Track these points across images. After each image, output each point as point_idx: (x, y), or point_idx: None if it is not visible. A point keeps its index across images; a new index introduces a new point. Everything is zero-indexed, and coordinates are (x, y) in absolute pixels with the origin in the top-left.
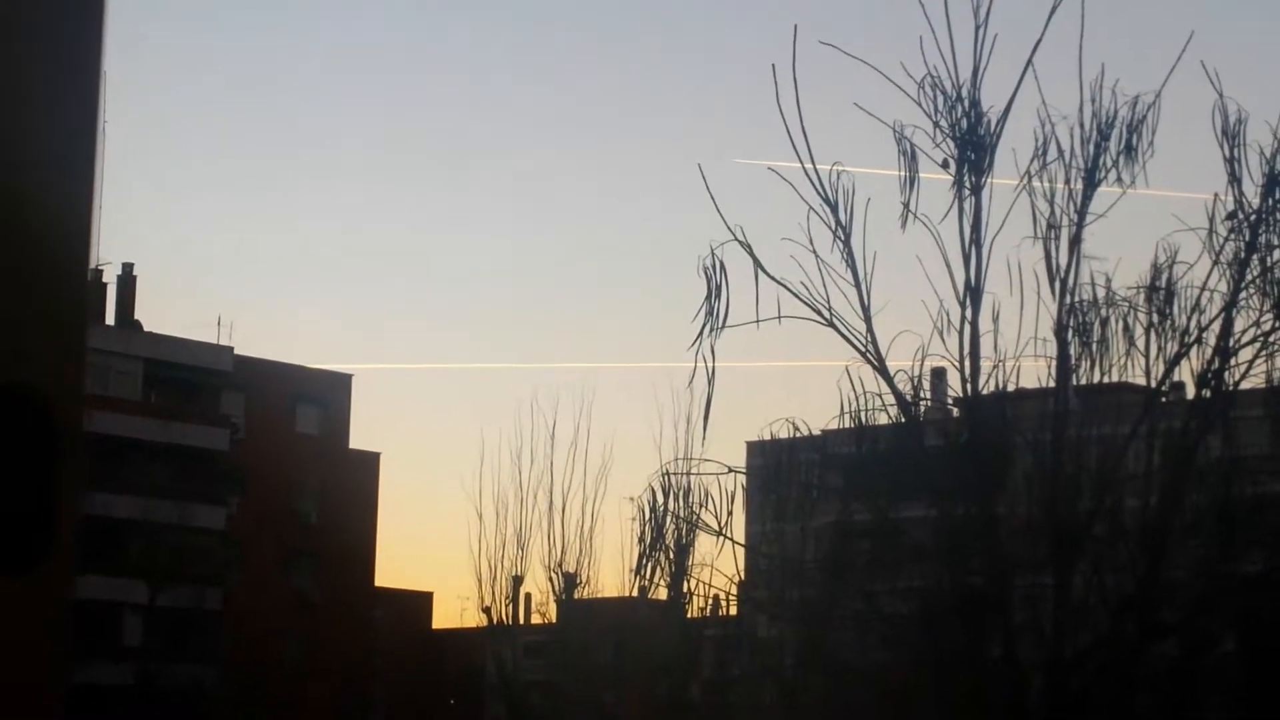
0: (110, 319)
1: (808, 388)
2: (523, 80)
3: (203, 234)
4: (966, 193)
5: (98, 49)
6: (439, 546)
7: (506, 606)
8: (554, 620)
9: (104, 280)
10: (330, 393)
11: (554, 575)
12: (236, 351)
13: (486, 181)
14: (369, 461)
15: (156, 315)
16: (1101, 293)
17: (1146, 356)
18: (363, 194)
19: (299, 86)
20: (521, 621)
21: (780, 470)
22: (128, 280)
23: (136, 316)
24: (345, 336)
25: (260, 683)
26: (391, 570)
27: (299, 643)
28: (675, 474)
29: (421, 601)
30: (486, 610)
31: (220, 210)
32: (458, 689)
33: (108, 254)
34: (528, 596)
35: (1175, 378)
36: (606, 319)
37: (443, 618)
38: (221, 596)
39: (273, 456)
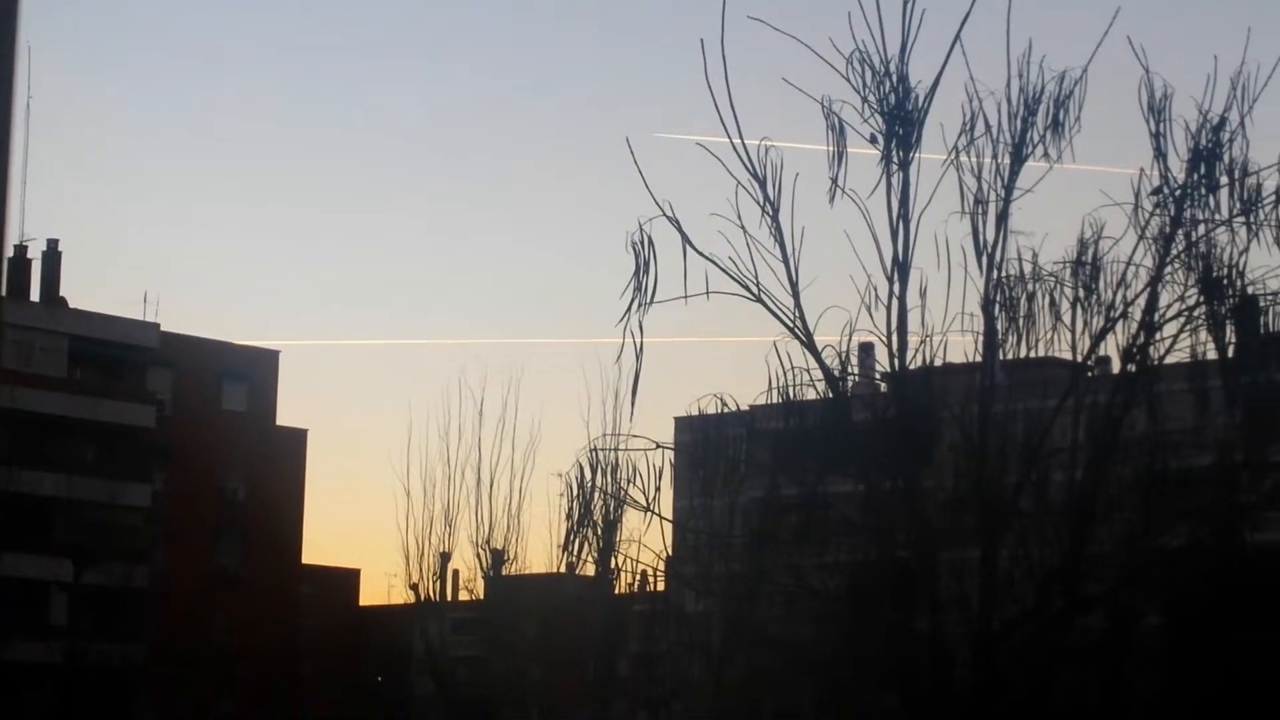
0: (35, 295)
1: (736, 363)
2: (449, 55)
3: (130, 211)
4: (894, 168)
5: (13, 26)
6: (366, 523)
7: (434, 583)
8: (481, 597)
9: (29, 256)
10: (257, 369)
11: (481, 552)
12: (163, 328)
13: (415, 157)
14: (296, 438)
15: (82, 292)
16: (1028, 268)
17: (1072, 331)
18: (290, 171)
19: (226, 64)
20: (449, 598)
21: (708, 445)
22: (53, 257)
23: (62, 293)
24: (272, 313)
25: (187, 660)
26: (319, 547)
27: (226, 620)
28: (603, 450)
29: (349, 578)
30: (414, 587)
31: (148, 187)
32: (385, 666)
33: (33, 230)
34: (455, 573)
35: (1101, 352)
36: (535, 295)
37: (370, 595)
38: (148, 574)
39: (199, 433)
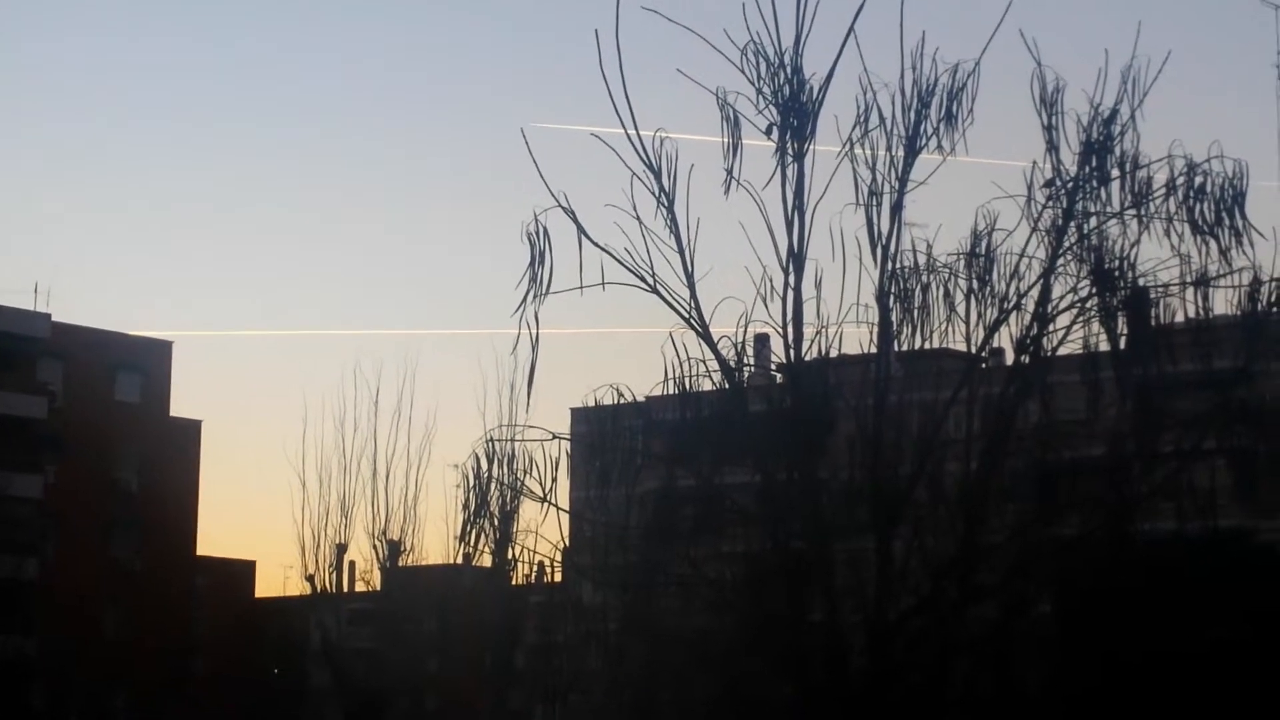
0: None
1: (632, 354)
2: (342, 42)
3: (19, 201)
4: (789, 159)
5: None
6: (262, 515)
7: (330, 575)
8: (378, 588)
9: None
10: (150, 360)
11: (378, 543)
12: (54, 318)
13: (309, 147)
14: (190, 429)
15: None
16: (923, 259)
17: (967, 322)
18: (183, 159)
19: (120, 53)
20: (345, 589)
21: (604, 437)
22: None
23: None
24: (166, 303)
25: (79, 653)
26: (213, 539)
27: (119, 613)
28: (499, 441)
29: (244, 570)
30: (310, 578)
31: (38, 175)
32: (281, 658)
33: None
34: (351, 564)
35: (995, 343)
36: (430, 285)
37: (266, 586)
38: (39, 566)
39: (92, 424)
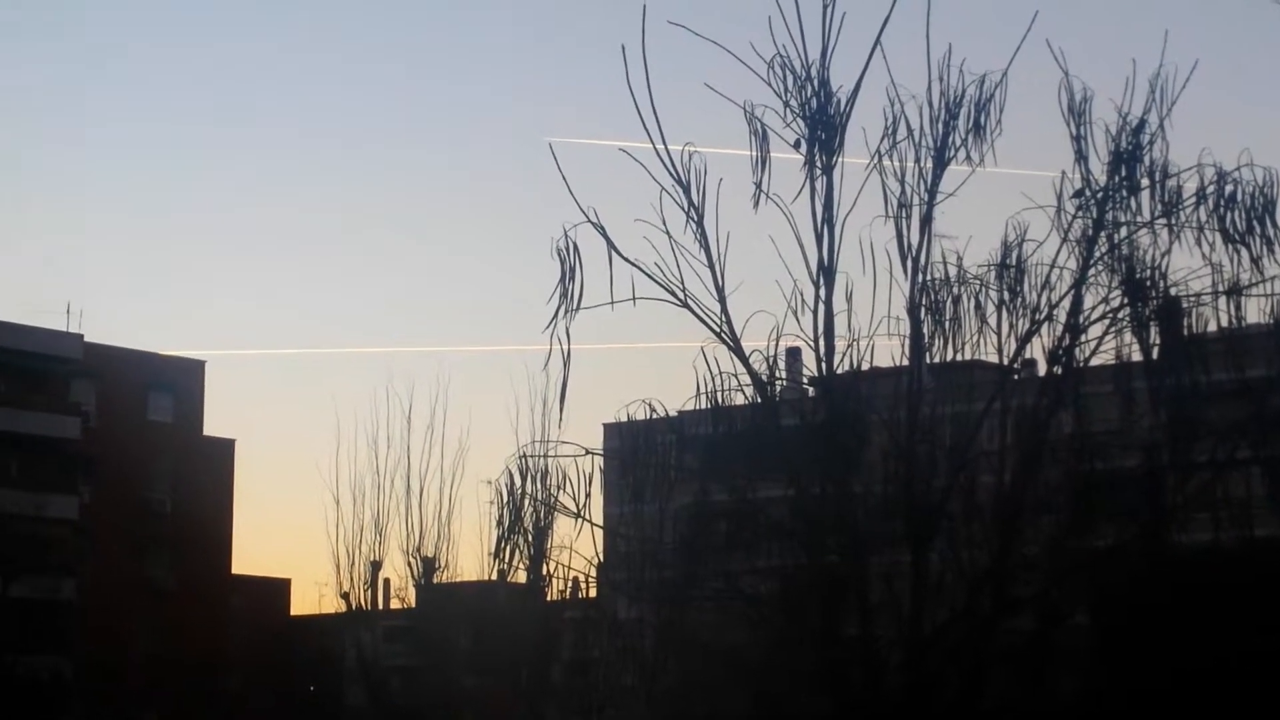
0: None
1: (664, 369)
2: (372, 58)
3: (53, 219)
4: (818, 172)
5: None
6: (296, 533)
7: (365, 592)
8: (413, 605)
9: None
10: (183, 379)
11: (412, 560)
12: (87, 339)
13: (337, 163)
14: (224, 448)
15: (3, 304)
16: (953, 271)
17: (998, 334)
18: (216, 178)
19: (137, 67)
20: (380, 607)
21: (637, 452)
22: None
23: None
24: (198, 323)
25: (116, 673)
26: (248, 558)
27: (154, 632)
28: (532, 457)
29: (279, 588)
30: (345, 596)
31: (70, 195)
32: (317, 676)
33: None
34: (386, 582)
35: (1027, 355)
36: (462, 302)
37: (301, 604)
38: (75, 587)
39: (125, 444)
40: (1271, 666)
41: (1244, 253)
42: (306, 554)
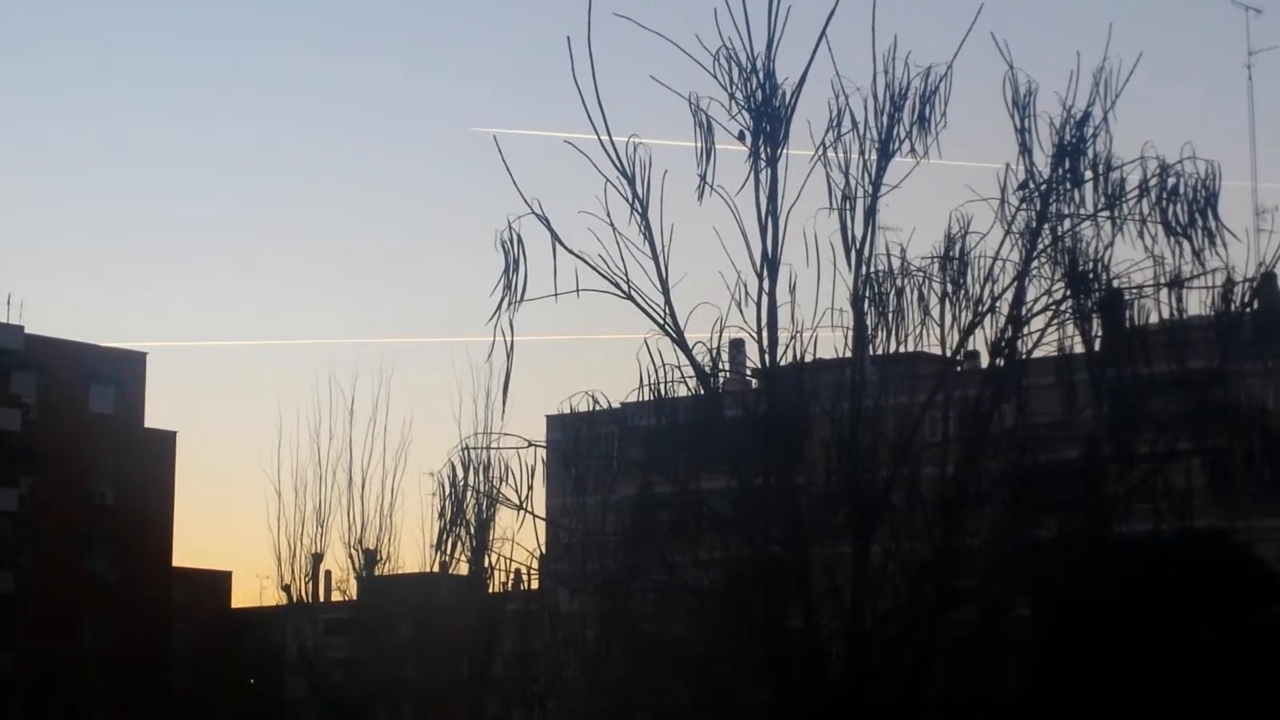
0: None
1: (607, 361)
2: (316, 49)
3: None
4: (763, 164)
5: None
6: (238, 525)
7: (306, 584)
8: (355, 597)
9: None
10: (124, 371)
11: (354, 552)
12: (28, 330)
13: (280, 155)
14: (165, 440)
15: None
16: (896, 263)
17: (941, 326)
18: (156, 169)
19: (89, 59)
20: (322, 599)
21: (580, 443)
22: None
23: None
24: (140, 315)
25: (57, 667)
26: (189, 550)
27: (96, 626)
28: (475, 448)
29: (220, 581)
30: (286, 588)
31: (10, 187)
32: (258, 668)
33: None
34: (328, 574)
35: (970, 347)
36: (405, 294)
37: (242, 597)
38: (15, 580)
39: (67, 437)
40: (1211, 656)
41: (1186, 245)
42: (248, 546)
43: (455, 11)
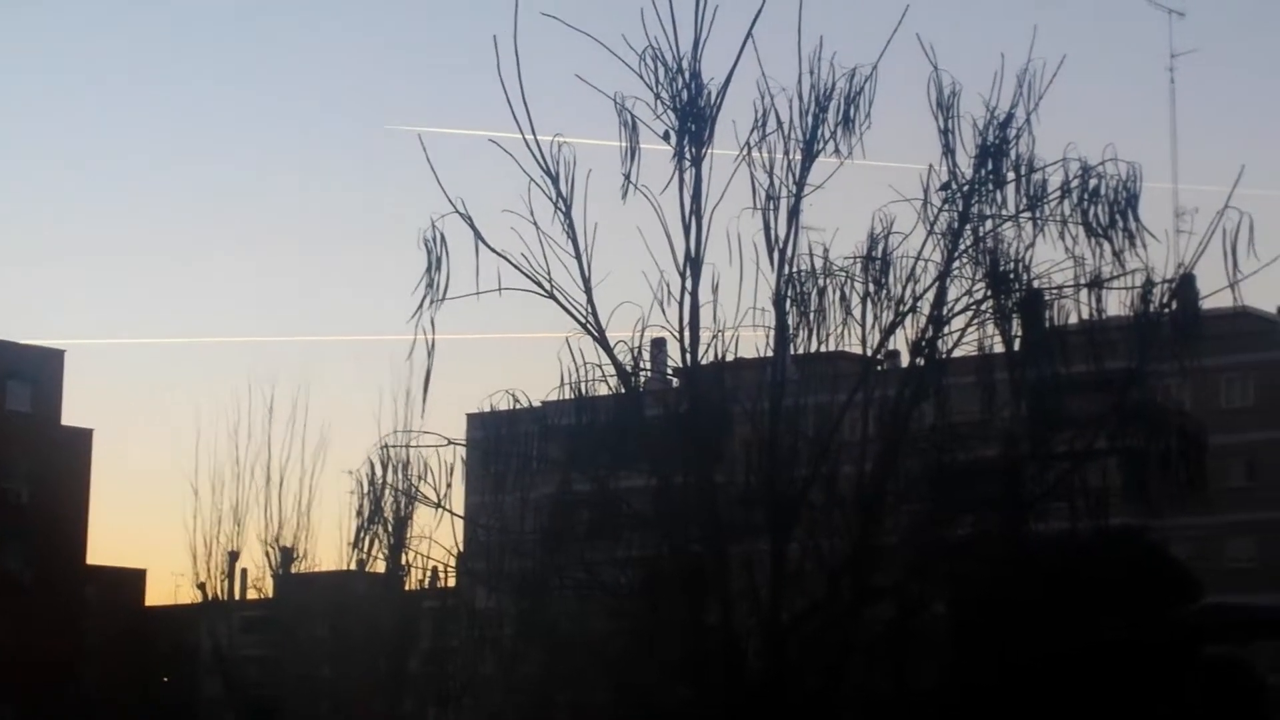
0: None
1: (529, 359)
2: (238, 46)
3: None
4: (687, 164)
5: None
6: (154, 523)
7: (222, 582)
8: (271, 595)
9: None
10: (41, 369)
11: (270, 550)
12: None
13: (201, 151)
14: (81, 438)
15: None
16: (819, 263)
17: (863, 325)
18: (74, 165)
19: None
20: (238, 597)
21: (500, 442)
22: None
23: None
24: (57, 312)
25: None
26: (105, 548)
27: (9, 624)
28: (394, 447)
29: (135, 579)
30: (201, 586)
31: None
32: (172, 667)
33: None
34: (244, 572)
35: (890, 346)
36: (327, 291)
37: (157, 595)
38: None
39: None
40: (1126, 653)
41: (1106, 246)
42: (164, 545)
43: (385, 9)
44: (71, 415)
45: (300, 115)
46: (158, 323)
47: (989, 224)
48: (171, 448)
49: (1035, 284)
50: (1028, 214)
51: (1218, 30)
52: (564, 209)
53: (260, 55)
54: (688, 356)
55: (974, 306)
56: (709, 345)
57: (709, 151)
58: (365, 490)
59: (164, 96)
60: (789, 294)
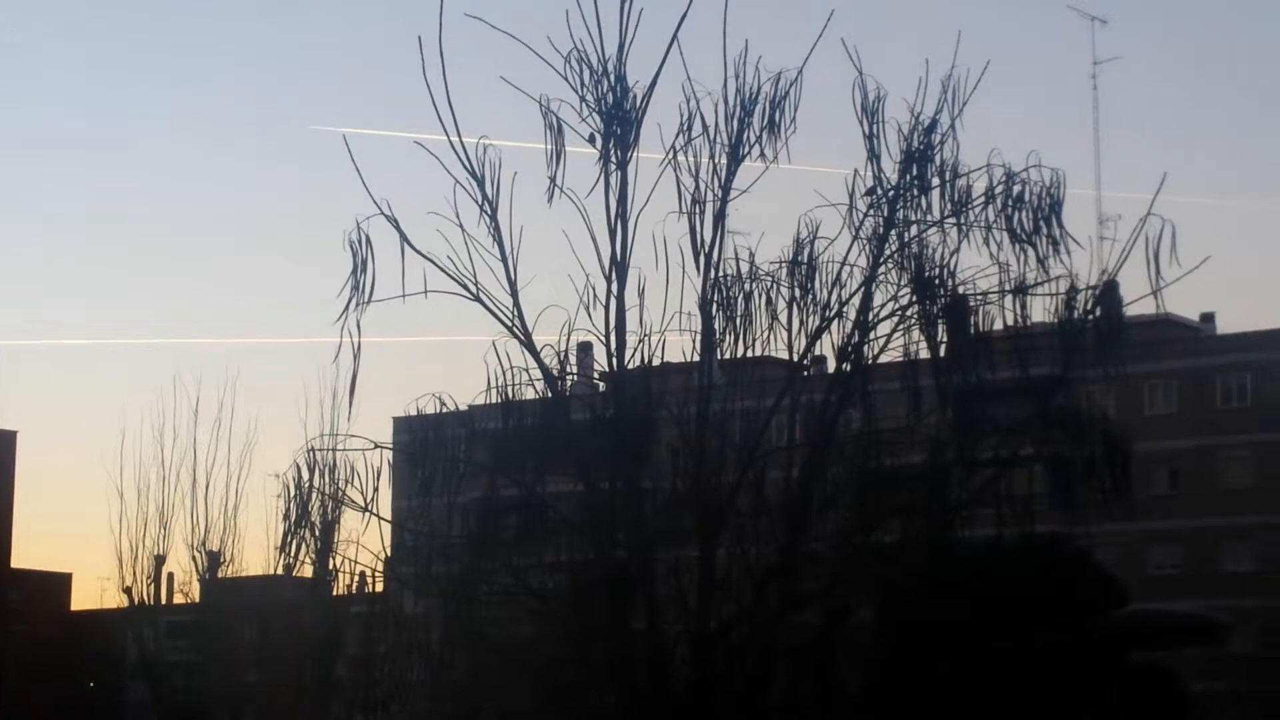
0: None
1: (456, 363)
2: (165, 45)
3: None
4: (613, 167)
5: None
6: (78, 527)
7: (148, 586)
8: (197, 599)
9: None
10: None
11: (197, 554)
12: None
13: (126, 152)
14: (5, 440)
15: None
16: (745, 267)
17: (789, 330)
18: None
19: None
20: (164, 601)
21: (426, 445)
22: None
23: None
24: None
25: None
26: (30, 552)
27: None
28: (321, 450)
29: (59, 582)
30: (127, 590)
31: None
32: (97, 672)
33: None
34: (170, 576)
35: (817, 351)
36: (252, 294)
37: (82, 599)
38: None
39: None
40: (1052, 659)
41: (1030, 252)
42: (89, 548)
43: (310, 9)
44: None
45: (225, 115)
46: (81, 324)
47: (914, 229)
48: (96, 450)
49: (960, 290)
50: (952, 220)
51: (1140, 37)
52: (490, 212)
53: (182, 54)
54: (614, 361)
55: (900, 312)
56: (635, 350)
57: (635, 155)
58: (292, 494)
59: (84, 96)
60: (715, 298)
